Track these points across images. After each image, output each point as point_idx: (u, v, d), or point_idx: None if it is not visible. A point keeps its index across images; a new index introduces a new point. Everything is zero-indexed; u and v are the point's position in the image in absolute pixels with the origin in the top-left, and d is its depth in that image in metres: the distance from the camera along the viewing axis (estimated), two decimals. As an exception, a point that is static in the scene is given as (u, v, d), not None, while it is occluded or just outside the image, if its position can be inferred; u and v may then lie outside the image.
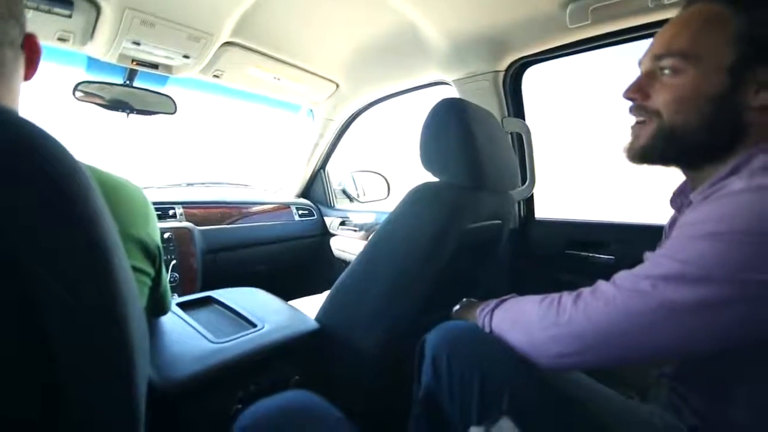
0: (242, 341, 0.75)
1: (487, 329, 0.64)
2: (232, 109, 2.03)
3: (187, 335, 0.76)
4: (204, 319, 0.85)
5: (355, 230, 1.92)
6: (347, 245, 1.95)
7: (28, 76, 0.50)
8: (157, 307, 0.73)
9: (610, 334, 0.47)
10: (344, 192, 2.26)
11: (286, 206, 1.99)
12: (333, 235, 2.04)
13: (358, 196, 2.24)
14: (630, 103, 0.59)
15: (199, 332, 0.77)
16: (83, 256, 0.32)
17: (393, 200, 2.19)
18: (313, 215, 2.08)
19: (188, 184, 1.95)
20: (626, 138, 0.60)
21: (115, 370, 0.36)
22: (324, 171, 2.12)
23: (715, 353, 0.46)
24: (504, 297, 0.67)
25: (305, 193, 2.18)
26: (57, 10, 0.94)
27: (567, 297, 0.53)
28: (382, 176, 2.25)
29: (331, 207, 2.13)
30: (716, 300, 0.41)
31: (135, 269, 0.54)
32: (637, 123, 0.58)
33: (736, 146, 0.51)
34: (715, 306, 0.41)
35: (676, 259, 0.45)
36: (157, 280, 0.64)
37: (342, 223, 2.00)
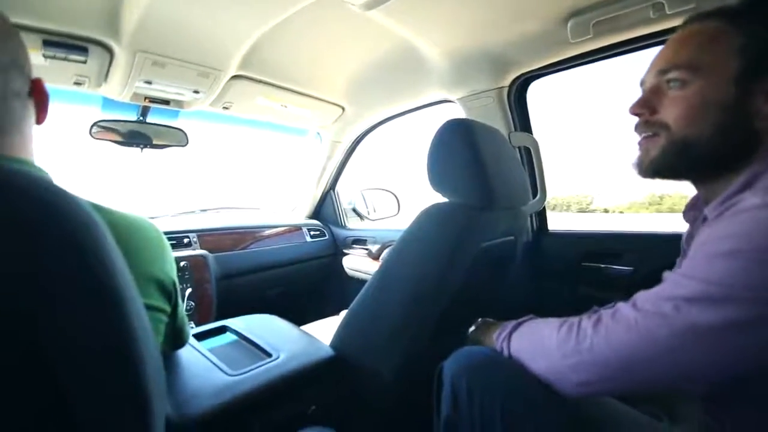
0: (258, 372, 0.75)
1: (506, 354, 0.62)
2: (242, 135, 2.08)
3: (203, 368, 0.76)
4: (220, 350, 0.85)
5: (368, 249, 1.92)
6: (360, 264, 1.95)
7: (39, 121, 0.51)
8: (175, 340, 0.74)
9: (634, 361, 0.46)
10: (355, 210, 2.27)
11: (298, 228, 2.00)
12: (345, 254, 2.04)
13: (368, 213, 2.25)
14: (636, 120, 0.58)
15: (215, 364, 0.77)
16: (97, 306, 0.33)
17: (403, 216, 2.19)
18: (325, 235, 2.09)
19: (202, 210, 1.99)
20: (635, 154, 0.60)
21: (131, 415, 0.36)
22: (334, 191, 2.14)
23: (749, 373, 0.44)
24: (521, 319, 0.66)
25: (316, 213, 2.20)
26: (73, 57, 0.99)
27: (586, 322, 0.52)
28: (391, 193, 2.25)
29: (342, 226, 2.14)
30: (743, 320, 0.40)
31: (152, 308, 0.55)
32: (645, 138, 0.57)
33: (749, 156, 0.50)
34: (742, 326, 0.40)
35: (697, 278, 0.43)
36: (173, 315, 0.65)
37: (354, 242, 2.01)
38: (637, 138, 0.59)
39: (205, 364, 0.78)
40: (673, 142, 0.53)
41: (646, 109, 0.56)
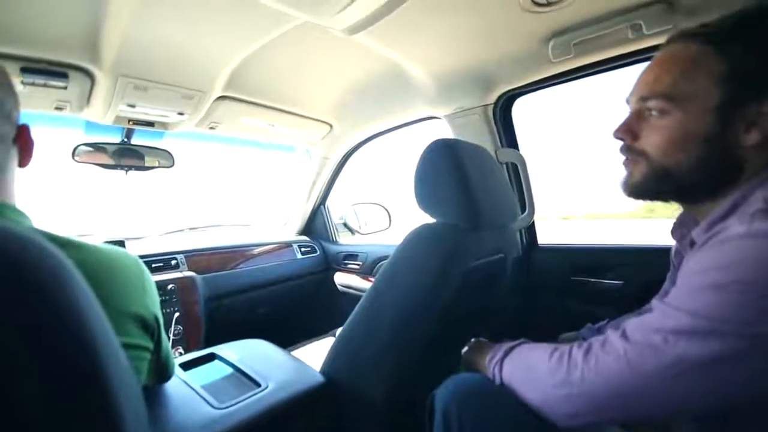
0: (246, 404, 0.73)
1: (497, 381, 0.62)
2: (230, 151, 2.07)
3: (189, 401, 0.74)
4: (207, 381, 0.83)
5: (359, 264, 1.90)
6: (351, 280, 1.93)
7: (23, 164, 0.51)
8: (159, 374, 0.72)
9: (624, 393, 0.46)
10: (346, 225, 2.26)
11: (288, 245, 1.98)
12: (337, 269, 2.02)
13: (359, 228, 2.24)
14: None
15: (202, 397, 0.75)
16: (69, 358, 0.32)
17: (394, 231, 2.19)
18: (316, 251, 2.07)
19: (191, 229, 1.96)
20: (622, 173, 0.60)
21: None
22: (324, 206, 2.13)
23: (739, 405, 0.44)
24: (513, 343, 0.65)
25: (307, 229, 2.19)
26: (53, 83, 0.97)
27: (577, 351, 0.52)
28: (382, 207, 2.25)
29: (333, 242, 2.12)
30: (730, 354, 0.40)
31: (132, 346, 0.53)
32: (628, 161, 0.58)
33: (733, 181, 0.50)
34: (730, 360, 0.40)
35: (684, 311, 0.43)
36: (156, 350, 0.63)
37: (345, 258, 1.99)
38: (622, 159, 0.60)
39: (192, 397, 0.75)
40: (653, 170, 0.54)
41: (628, 134, 0.56)
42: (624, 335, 0.48)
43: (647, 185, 0.56)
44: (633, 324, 0.49)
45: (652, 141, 0.53)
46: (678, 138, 0.51)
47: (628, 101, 0.59)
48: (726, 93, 0.48)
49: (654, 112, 0.53)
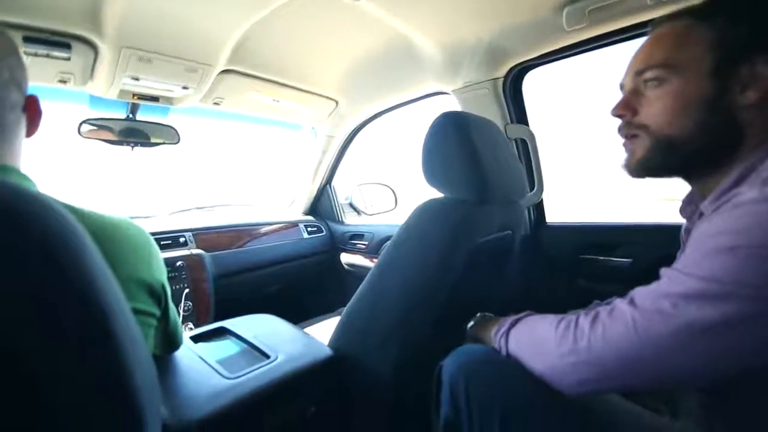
0: (256, 375, 0.74)
1: (503, 352, 0.62)
2: (236, 130, 2.06)
3: (200, 372, 0.76)
4: (217, 353, 0.84)
5: (365, 244, 1.91)
6: (358, 259, 1.94)
7: (29, 134, 0.52)
8: (168, 343, 0.73)
9: (632, 359, 0.45)
10: (352, 206, 2.26)
11: (294, 224, 1.99)
12: (343, 249, 2.03)
13: (365, 208, 2.24)
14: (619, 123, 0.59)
15: (212, 368, 0.76)
16: (81, 322, 0.31)
17: (401, 210, 2.18)
18: (322, 231, 2.08)
19: (198, 208, 1.97)
20: (622, 155, 0.60)
21: (122, 428, 0.35)
22: (330, 186, 2.12)
23: (749, 369, 0.44)
24: (518, 315, 0.65)
25: (313, 209, 2.19)
26: (55, 54, 0.96)
27: (584, 319, 0.51)
28: (388, 187, 2.25)
29: (339, 222, 2.13)
30: (742, 317, 0.39)
31: (140, 312, 0.54)
32: (629, 139, 0.58)
33: (737, 148, 0.50)
34: (742, 323, 0.39)
35: (695, 275, 0.43)
36: (164, 318, 0.63)
37: (352, 237, 2.00)
38: (622, 140, 0.60)
39: (202, 368, 0.77)
40: (657, 142, 0.54)
41: (628, 110, 0.57)
42: (632, 302, 0.47)
43: (651, 160, 0.55)
44: (641, 291, 0.48)
45: (652, 112, 0.54)
46: (678, 104, 0.52)
47: (621, 86, 0.60)
48: (717, 58, 0.50)
49: (650, 83, 0.54)
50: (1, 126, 0.45)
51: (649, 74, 0.54)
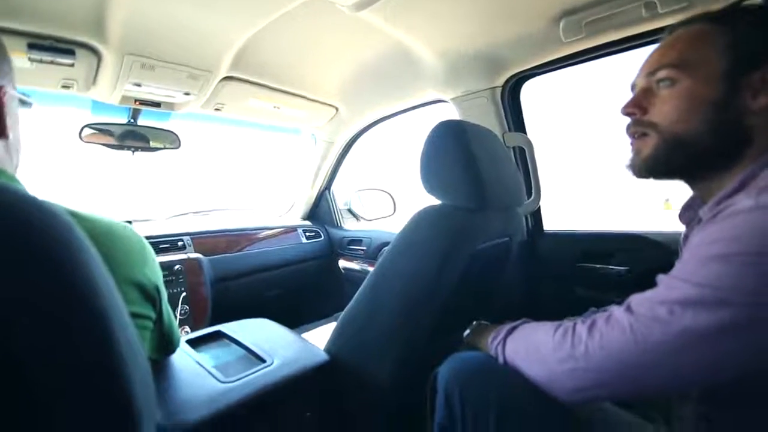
0: (252, 379, 0.74)
1: (500, 360, 0.62)
2: (236, 136, 2.07)
3: (196, 376, 0.75)
4: (213, 357, 0.84)
5: (363, 250, 1.91)
6: (355, 265, 1.94)
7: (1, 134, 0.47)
8: (163, 346, 0.72)
9: (629, 366, 0.46)
10: (350, 211, 2.27)
11: (293, 229, 1.99)
12: (341, 255, 2.03)
13: (364, 214, 2.25)
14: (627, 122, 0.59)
15: (208, 371, 0.76)
16: (79, 324, 0.32)
17: (399, 216, 2.19)
18: (320, 236, 2.08)
19: (196, 213, 1.97)
20: (627, 155, 0.60)
21: (120, 429, 0.35)
22: (329, 192, 2.13)
23: (744, 376, 0.44)
24: (515, 323, 0.66)
25: (311, 214, 2.19)
26: (59, 60, 0.97)
27: (581, 326, 0.52)
28: (387, 193, 2.25)
29: (338, 227, 2.13)
30: (737, 324, 0.40)
31: (135, 315, 0.53)
32: (636, 138, 0.58)
33: (743, 153, 0.51)
34: (737, 330, 0.40)
35: (691, 282, 0.43)
36: (159, 320, 0.63)
37: (350, 243, 2.00)
38: (629, 140, 0.60)
39: (198, 371, 0.77)
40: (665, 140, 0.54)
41: (638, 108, 0.57)
42: (629, 309, 0.48)
43: (658, 159, 0.55)
44: (638, 298, 0.48)
45: (662, 110, 0.54)
46: (688, 104, 0.52)
47: (633, 86, 0.60)
48: (730, 61, 0.50)
49: (663, 83, 0.54)
50: None
51: (661, 74, 0.54)
